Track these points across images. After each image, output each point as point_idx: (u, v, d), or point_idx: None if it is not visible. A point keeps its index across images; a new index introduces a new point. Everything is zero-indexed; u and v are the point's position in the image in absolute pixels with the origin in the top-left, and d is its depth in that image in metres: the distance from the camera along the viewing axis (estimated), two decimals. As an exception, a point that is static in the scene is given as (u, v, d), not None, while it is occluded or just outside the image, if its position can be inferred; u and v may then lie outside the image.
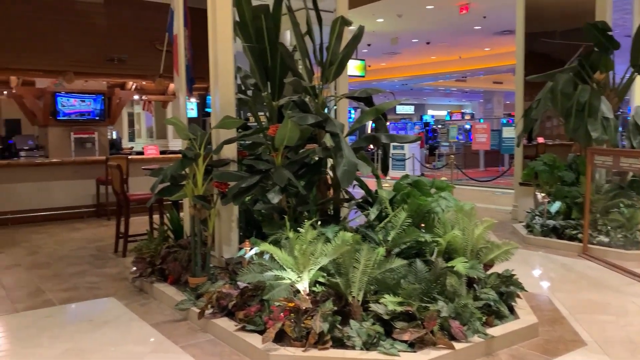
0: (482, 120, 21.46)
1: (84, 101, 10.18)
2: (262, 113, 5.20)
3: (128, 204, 6.02)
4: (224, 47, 4.45)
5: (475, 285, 3.76)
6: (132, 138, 20.34)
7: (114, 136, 15.13)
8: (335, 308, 3.33)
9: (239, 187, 4.06)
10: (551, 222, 6.35)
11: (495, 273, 3.92)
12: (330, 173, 4.59)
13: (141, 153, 10.44)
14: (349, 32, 4.69)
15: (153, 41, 9.58)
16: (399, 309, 3.28)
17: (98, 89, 10.40)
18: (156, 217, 6.34)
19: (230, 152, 4.47)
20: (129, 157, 9.11)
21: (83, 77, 9.22)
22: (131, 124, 20.73)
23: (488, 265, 3.98)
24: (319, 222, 4.12)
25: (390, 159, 16.20)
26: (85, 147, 10.14)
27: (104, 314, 4.16)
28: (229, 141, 4.33)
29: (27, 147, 9.79)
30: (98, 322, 3.95)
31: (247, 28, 4.70)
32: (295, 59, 4.86)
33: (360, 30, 4.47)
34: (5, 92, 11.01)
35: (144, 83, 11.14)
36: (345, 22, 4.49)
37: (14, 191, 8.28)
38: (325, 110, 4.90)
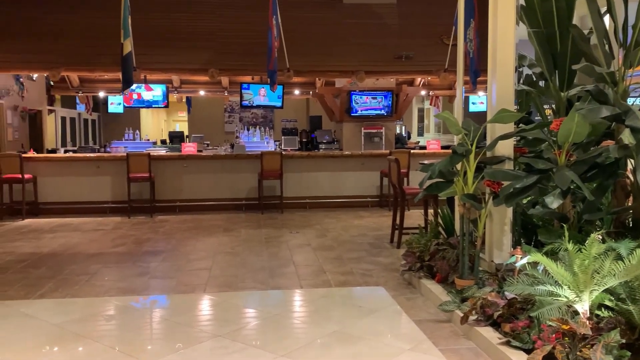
0: None
1: (375, 98, 10.86)
2: (549, 106, 4.68)
3: (404, 197, 6.16)
4: (504, 33, 4.10)
5: None
6: (421, 133, 20.98)
7: (402, 131, 15.83)
8: (624, 340, 2.75)
9: (512, 188, 3.71)
10: None
11: None
12: (631, 177, 3.83)
13: (425, 147, 10.65)
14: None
15: (440, 36, 9.61)
16: None
17: (387, 86, 10.96)
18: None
19: (505, 148, 4.12)
20: (412, 151, 9.37)
21: (373, 75, 9.82)
22: (421, 119, 21.39)
23: None
24: (612, 235, 3.47)
25: None
26: (373, 141, 10.83)
27: (372, 302, 4.32)
28: (504, 137, 3.99)
29: (325, 141, 10.96)
30: (366, 310, 4.12)
31: (533, 11, 4.27)
32: (592, 43, 4.21)
33: (682, -1, 3.58)
34: (310, 92, 12.54)
35: (429, 78, 11.30)
36: (661, -8, 3.65)
37: (313, 179, 9.38)
38: (629, 101, 4.12)
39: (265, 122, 18.60)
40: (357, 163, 9.49)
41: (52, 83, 12.77)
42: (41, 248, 6.35)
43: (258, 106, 12.09)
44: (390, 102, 10.82)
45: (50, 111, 14.27)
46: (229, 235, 7.11)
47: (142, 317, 4.10)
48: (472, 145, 4.00)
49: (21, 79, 11.64)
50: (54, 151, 11.58)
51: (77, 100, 15.43)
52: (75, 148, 13.02)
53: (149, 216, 8.57)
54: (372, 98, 10.82)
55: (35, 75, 11.85)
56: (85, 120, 17.72)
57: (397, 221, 6.26)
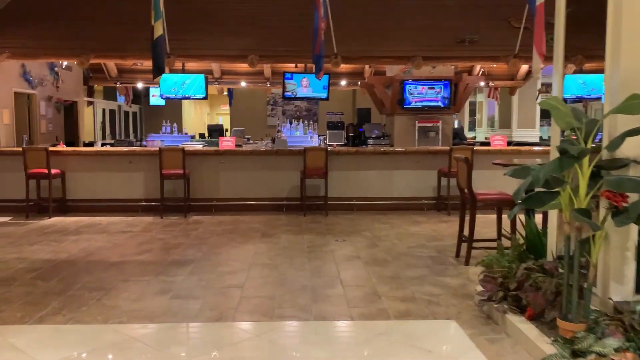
0: None
1: (432, 88, 9.75)
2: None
3: (474, 205, 5.14)
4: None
5: None
6: (471, 127, 19.75)
7: (456, 125, 14.65)
8: None
9: (651, 203, 2.68)
10: None
11: None
12: None
13: (486, 144, 9.54)
14: None
15: (508, 17, 8.49)
16: None
17: (445, 75, 9.86)
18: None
19: (631, 149, 3.08)
20: (474, 147, 8.30)
21: (431, 61, 8.77)
22: (472, 112, 20.13)
23: None
24: None
25: None
26: (429, 136, 9.76)
27: (444, 345, 3.38)
28: (633, 132, 2.95)
29: (374, 135, 9.97)
30: (437, 356, 3.17)
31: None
32: None
33: None
34: (358, 82, 11.58)
35: (494, 66, 10.16)
36: None
37: (361, 178, 8.42)
38: None
39: (309, 115, 17.75)
40: (411, 160, 8.48)
41: (90, 74, 12.30)
42: (59, 254, 5.68)
43: (301, 98, 11.23)
44: (449, 93, 9.70)
45: (89, 103, 13.85)
46: (268, 241, 6.28)
47: (152, 356, 3.28)
48: (587, 143, 2.98)
49: (56, 69, 11.15)
50: (91, 144, 11.09)
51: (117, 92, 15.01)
52: (113, 141, 12.52)
53: (183, 216, 7.85)
54: (428, 88, 9.72)
55: (64, 63, 11.35)
56: (126, 113, 17.34)
57: (465, 232, 5.26)
